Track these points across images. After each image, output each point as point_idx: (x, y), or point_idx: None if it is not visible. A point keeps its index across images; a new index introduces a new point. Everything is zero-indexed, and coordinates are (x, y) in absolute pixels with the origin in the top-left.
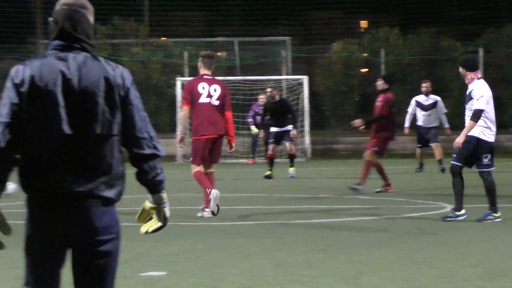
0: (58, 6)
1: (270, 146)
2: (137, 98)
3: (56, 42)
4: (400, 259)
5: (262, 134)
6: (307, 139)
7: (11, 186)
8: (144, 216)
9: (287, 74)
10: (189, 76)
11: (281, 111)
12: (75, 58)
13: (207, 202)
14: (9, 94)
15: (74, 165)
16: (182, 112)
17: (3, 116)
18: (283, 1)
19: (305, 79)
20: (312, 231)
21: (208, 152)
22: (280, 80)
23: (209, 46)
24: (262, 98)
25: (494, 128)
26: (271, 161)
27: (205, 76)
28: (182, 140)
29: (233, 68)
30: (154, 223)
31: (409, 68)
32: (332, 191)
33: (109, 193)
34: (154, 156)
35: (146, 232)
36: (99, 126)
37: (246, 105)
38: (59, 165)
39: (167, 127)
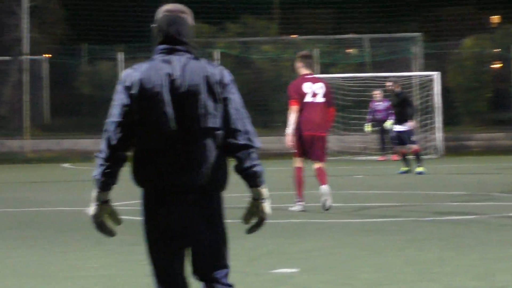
0: (160, 14)
1: (398, 147)
2: (236, 94)
3: (162, 46)
4: None
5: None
6: (439, 136)
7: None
8: (248, 216)
9: (418, 71)
10: (320, 73)
11: (401, 105)
12: (179, 60)
13: (299, 196)
14: (120, 96)
15: (181, 158)
16: (291, 112)
17: (115, 116)
18: None
19: (436, 75)
20: (445, 228)
21: (309, 149)
22: (410, 77)
23: (339, 43)
24: (377, 94)
25: None
26: (404, 158)
27: (307, 76)
28: (292, 139)
29: (362, 64)
30: (254, 220)
31: None
32: (464, 188)
33: (215, 185)
34: (248, 147)
35: (249, 231)
36: (203, 121)
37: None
38: (167, 159)
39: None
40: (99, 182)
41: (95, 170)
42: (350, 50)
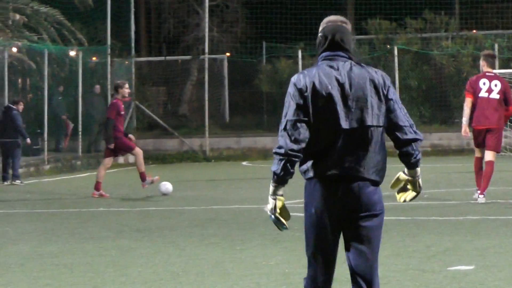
0: (324, 24)
1: None
2: (395, 94)
3: (326, 53)
4: None
5: None
6: None
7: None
8: (398, 185)
9: None
10: (499, 68)
11: None
12: (344, 66)
13: (479, 186)
14: (295, 98)
15: (349, 153)
16: (465, 103)
17: (291, 115)
18: None
19: None
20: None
21: (482, 142)
22: None
23: None
24: None
25: None
26: None
27: (487, 73)
28: (466, 129)
29: None
30: (410, 193)
31: None
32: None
33: (376, 176)
34: (415, 140)
35: (404, 201)
36: (370, 119)
37: None
38: (338, 154)
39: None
40: (278, 177)
41: (273, 165)
42: None
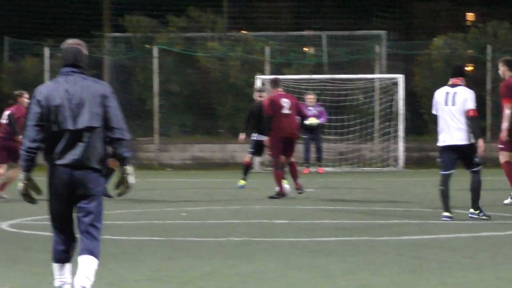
0: (65, 45)
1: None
2: (113, 101)
3: (65, 69)
4: (503, 283)
5: None
6: (400, 146)
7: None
8: (118, 185)
9: (381, 73)
10: (271, 74)
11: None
12: (75, 79)
13: None
14: (33, 106)
15: (74, 147)
16: (507, 110)
17: (32, 120)
18: None
19: (400, 78)
20: (402, 249)
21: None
22: (373, 80)
23: (294, 41)
24: (310, 98)
25: None
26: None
27: None
28: (505, 134)
29: (320, 65)
30: (121, 189)
31: None
32: (426, 204)
33: (97, 165)
34: (122, 139)
35: (119, 195)
36: (90, 121)
37: (333, 107)
38: (65, 148)
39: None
40: (24, 167)
41: (20, 159)
42: (307, 49)
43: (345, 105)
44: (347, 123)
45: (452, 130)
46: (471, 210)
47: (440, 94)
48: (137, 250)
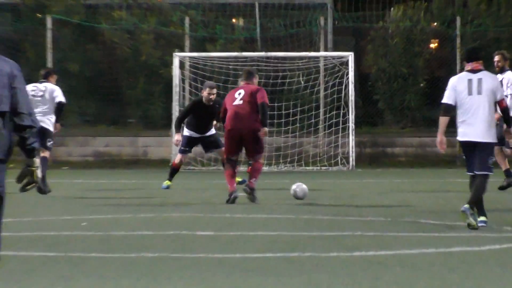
0: None
1: None
2: (22, 83)
3: None
4: None
5: None
6: (351, 140)
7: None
8: (22, 177)
9: (326, 50)
10: (190, 51)
11: None
12: None
13: None
14: None
15: None
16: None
17: None
18: None
19: (350, 57)
20: (354, 267)
21: None
22: (317, 58)
23: (220, 10)
24: None
25: None
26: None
27: None
28: None
29: (252, 41)
30: (27, 181)
31: (494, 44)
32: (383, 212)
33: (2, 155)
34: (30, 127)
35: (22, 190)
36: (5, 106)
37: (268, 92)
38: None
39: (160, 120)
40: None
41: None
42: (235, 21)
43: (282, 89)
44: (285, 112)
45: (477, 124)
46: (466, 206)
47: (461, 82)
48: (26, 268)
